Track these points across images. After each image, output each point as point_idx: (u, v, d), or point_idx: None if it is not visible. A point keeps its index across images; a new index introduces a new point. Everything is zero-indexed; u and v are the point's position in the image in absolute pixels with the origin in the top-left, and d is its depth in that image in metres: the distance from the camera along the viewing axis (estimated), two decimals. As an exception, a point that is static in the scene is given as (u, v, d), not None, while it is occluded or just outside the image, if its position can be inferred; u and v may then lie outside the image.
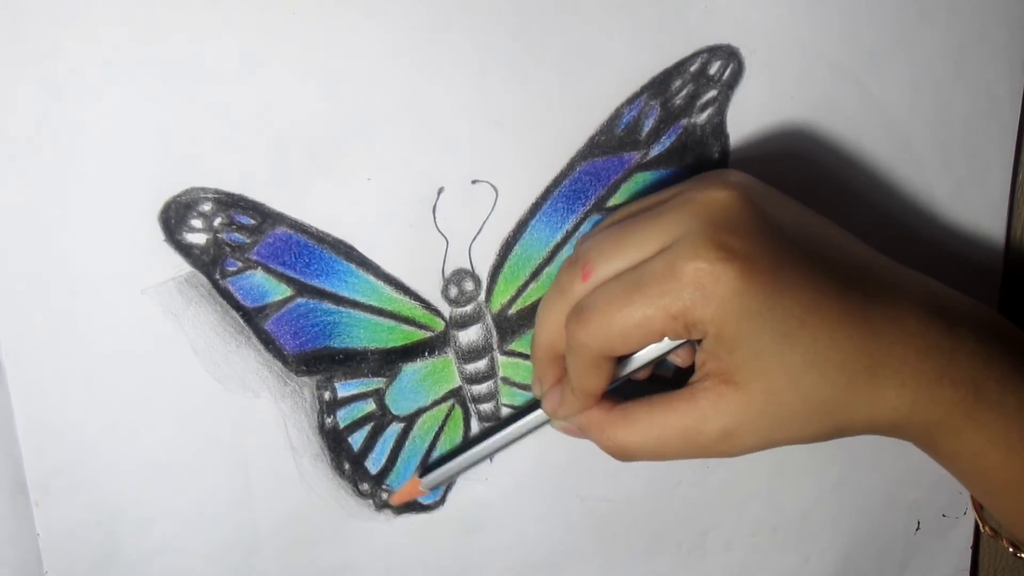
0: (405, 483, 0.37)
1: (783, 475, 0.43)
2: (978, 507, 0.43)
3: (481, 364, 0.37)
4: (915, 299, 0.31)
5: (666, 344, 0.32)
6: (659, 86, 0.35)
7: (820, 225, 0.32)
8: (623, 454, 0.33)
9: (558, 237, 0.36)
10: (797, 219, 0.32)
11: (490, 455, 0.37)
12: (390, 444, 0.37)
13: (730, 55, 0.36)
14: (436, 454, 0.38)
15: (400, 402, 0.37)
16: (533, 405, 0.36)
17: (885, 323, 0.30)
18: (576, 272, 0.32)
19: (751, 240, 0.29)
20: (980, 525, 0.43)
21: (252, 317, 0.34)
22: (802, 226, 0.31)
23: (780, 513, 0.43)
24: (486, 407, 0.38)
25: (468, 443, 0.37)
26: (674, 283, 0.29)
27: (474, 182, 0.35)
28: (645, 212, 0.32)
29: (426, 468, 0.37)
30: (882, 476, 0.44)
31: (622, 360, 0.33)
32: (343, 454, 0.37)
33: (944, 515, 0.46)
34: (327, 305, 0.35)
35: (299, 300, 0.34)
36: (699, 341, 0.31)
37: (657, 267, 0.29)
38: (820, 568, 0.45)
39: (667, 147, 0.36)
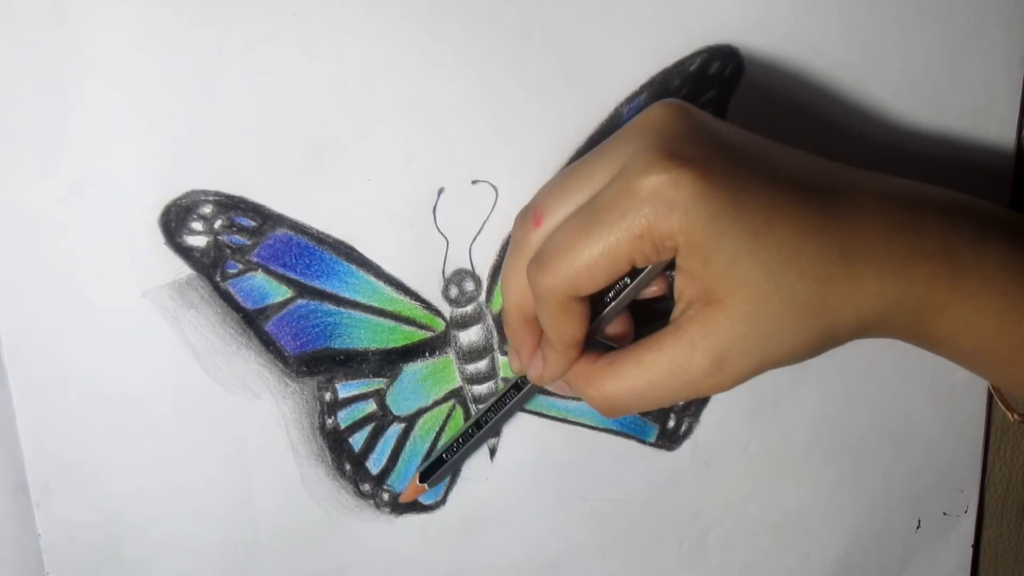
0: (408, 485, 0.37)
1: (784, 474, 0.43)
2: (999, 393, 0.41)
3: (482, 364, 0.37)
4: (873, 187, 0.31)
5: (637, 282, 0.31)
6: (659, 86, 0.35)
7: (767, 141, 0.31)
8: (612, 405, 0.32)
9: (558, 237, 0.36)
10: (742, 134, 0.31)
11: (468, 436, 0.36)
12: (391, 444, 0.37)
13: (730, 55, 0.36)
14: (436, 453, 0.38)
15: (401, 402, 0.37)
16: (511, 381, 0.35)
17: (848, 210, 0.30)
18: (528, 221, 0.31)
19: (701, 144, 0.28)
20: (1007, 412, 0.41)
21: (253, 319, 0.34)
22: (749, 139, 0.31)
23: (781, 512, 0.43)
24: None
25: (463, 432, 0.36)
26: (632, 201, 0.28)
27: (474, 182, 0.35)
28: (589, 153, 0.31)
29: (427, 467, 0.37)
30: (882, 475, 0.44)
31: (596, 310, 0.32)
32: (344, 455, 0.37)
33: (944, 514, 0.46)
34: (328, 306, 0.35)
35: (300, 301, 0.34)
36: (671, 273, 0.30)
37: (612, 191, 0.28)
38: (821, 566, 0.45)
39: (667, 147, 0.36)
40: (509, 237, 0.36)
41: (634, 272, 0.31)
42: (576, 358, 0.32)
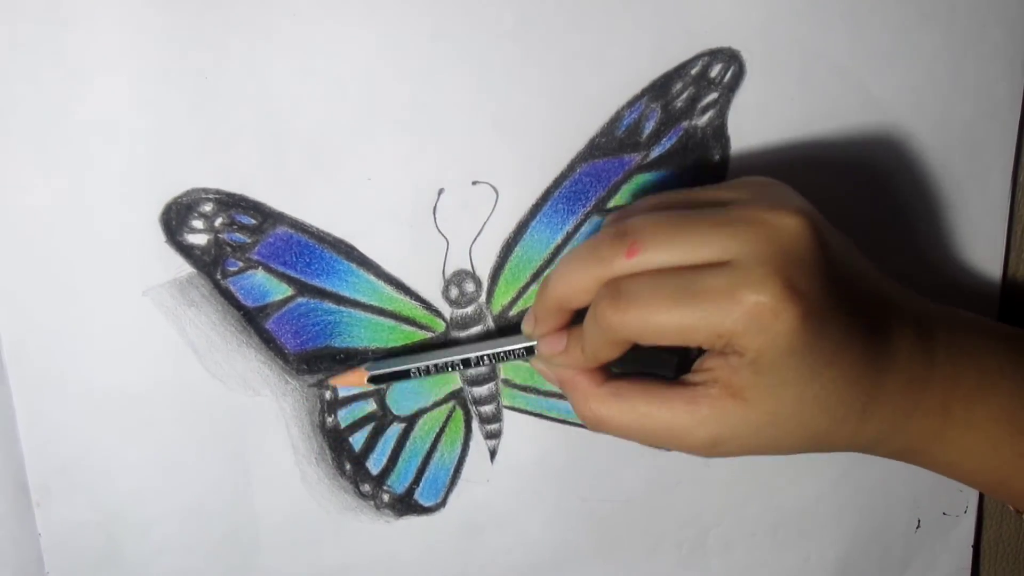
0: (350, 372, 0.36)
1: (783, 474, 0.43)
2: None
3: (482, 366, 0.37)
4: (908, 328, 0.32)
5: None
6: (660, 88, 0.35)
7: (856, 256, 0.33)
8: (598, 426, 0.32)
9: (558, 238, 0.36)
10: (845, 253, 0.32)
11: (450, 367, 0.35)
12: (391, 444, 0.37)
13: (731, 58, 0.36)
14: (436, 458, 0.38)
15: (401, 403, 0.37)
16: (513, 333, 0.35)
17: (886, 361, 0.31)
18: (622, 245, 0.30)
19: (816, 281, 0.29)
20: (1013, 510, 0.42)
21: (253, 317, 0.34)
22: (847, 262, 0.31)
23: (781, 512, 0.43)
24: (487, 409, 0.38)
25: (440, 363, 0.35)
26: (732, 306, 0.28)
27: (474, 183, 0.35)
28: (707, 210, 0.31)
29: (383, 374, 0.35)
30: (882, 475, 0.44)
31: None
32: (344, 454, 0.37)
33: (944, 514, 0.46)
34: (328, 305, 0.35)
35: (300, 300, 0.34)
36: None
37: (717, 283, 0.29)
38: (821, 567, 0.45)
39: (668, 149, 0.36)
40: (510, 239, 0.36)
41: None
42: (594, 368, 0.33)
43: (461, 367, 0.35)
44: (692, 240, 0.30)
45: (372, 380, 0.35)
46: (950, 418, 0.32)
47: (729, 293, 0.28)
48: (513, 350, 0.34)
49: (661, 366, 0.33)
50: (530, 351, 0.34)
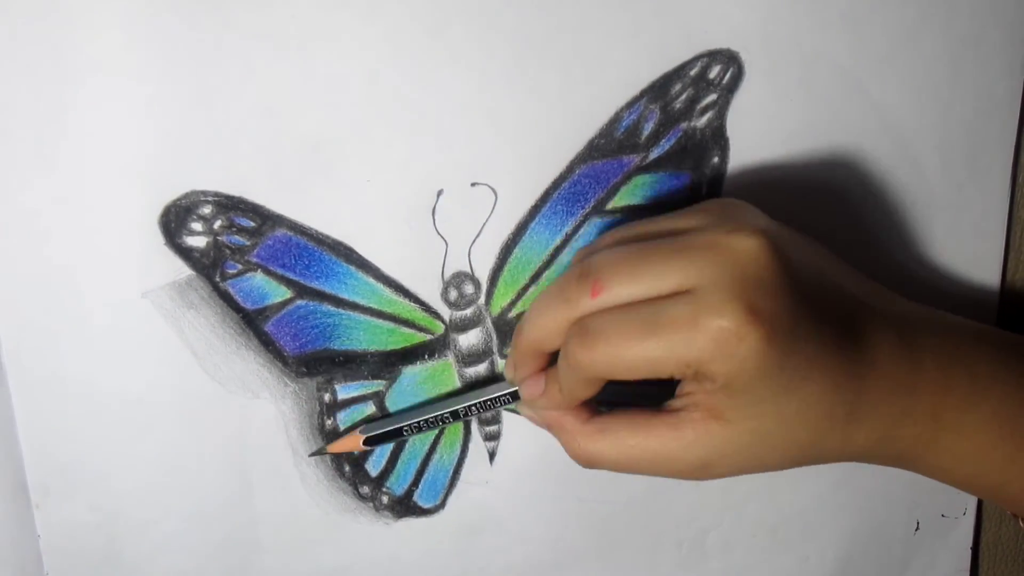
0: (345, 437, 0.36)
1: (783, 475, 0.43)
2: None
3: (481, 368, 0.37)
4: (889, 331, 0.32)
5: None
6: (659, 90, 0.35)
7: (826, 264, 0.33)
8: (588, 462, 0.33)
9: (557, 240, 0.36)
10: (810, 265, 0.31)
11: (441, 421, 0.35)
12: (390, 446, 0.37)
13: (730, 59, 0.36)
14: (435, 459, 0.38)
15: (400, 405, 0.37)
16: (496, 380, 0.35)
17: (866, 369, 0.31)
18: (586, 286, 0.30)
19: (778, 301, 0.29)
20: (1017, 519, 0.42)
21: (252, 319, 0.34)
22: (814, 273, 0.31)
23: (780, 513, 0.43)
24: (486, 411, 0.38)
25: (434, 417, 0.36)
26: (695, 334, 0.28)
27: (473, 184, 0.35)
28: (665, 240, 0.31)
29: (378, 435, 0.36)
30: (882, 476, 0.44)
31: None
32: (343, 456, 0.37)
33: (944, 515, 0.46)
34: (327, 307, 0.35)
35: (299, 302, 0.34)
36: None
37: (678, 312, 0.29)
38: (820, 568, 0.45)
39: (667, 150, 0.36)
40: (509, 240, 0.36)
41: None
42: (574, 407, 0.33)
43: (451, 420, 0.35)
44: (653, 271, 0.30)
45: (367, 443, 0.36)
46: (941, 425, 0.32)
47: (692, 321, 0.28)
48: (499, 397, 0.35)
49: (646, 395, 0.33)
50: (515, 396, 0.35)
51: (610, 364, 0.30)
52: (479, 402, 0.35)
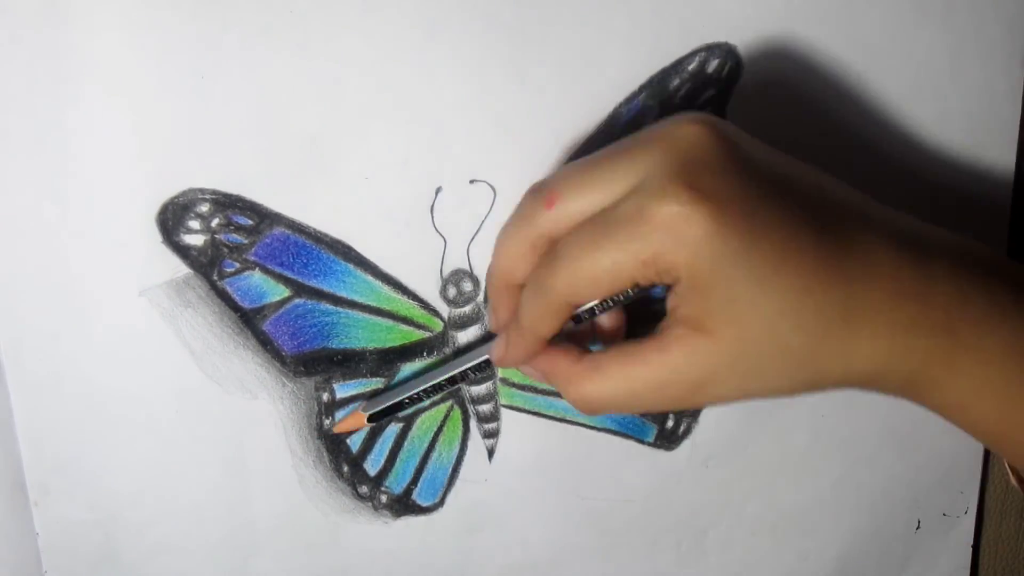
0: (348, 415, 0.36)
1: (783, 473, 0.43)
2: (1000, 459, 0.41)
3: (467, 380, 0.37)
4: (889, 239, 0.30)
5: (626, 299, 0.31)
6: (657, 85, 0.35)
7: (794, 164, 0.31)
8: (591, 407, 0.31)
9: (556, 238, 0.36)
10: (772, 158, 0.30)
11: (440, 387, 0.35)
12: (388, 445, 0.37)
13: (728, 53, 0.35)
14: (434, 457, 0.38)
15: (399, 403, 0.37)
16: (488, 338, 0.35)
17: (859, 268, 0.29)
18: (540, 199, 0.30)
19: (724, 179, 0.28)
20: (1010, 475, 0.41)
21: (250, 318, 0.34)
22: (776, 164, 0.30)
23: (780, 511, 0.43)
24: (485, 408, 0.38)
25: (415, 375, 0.36)
26: (644, 227, 0.28)
27: (472, 182, 0.35)
28: (612, 145, 0.30)
29: (380, 410, 0.36)
30: (882, 475, 0.44)
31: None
32: (342, 456, 0.37)
33: (944, 514, 0.46)
34: (325, 305, 0.35)
35: (297, 301, 0.34)
36: (668, 287, 0.30)
37: (626, 210, 0.28)
38: (820, 566, 0.45)
39: (666, 147, 0.36)
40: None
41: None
42: (538, 352, 0.32)
43: (448, 385, 0.35)
44: (601, 176, 0.29)
45: (371, 419, 0.35)
46: (958, 341, 0.30)
47: (638, 214, 0.28)
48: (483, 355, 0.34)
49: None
50: None
51: (574, 282, 0.29)
52: (474, 364, 0.35)
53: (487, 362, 0.35)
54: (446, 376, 0.35)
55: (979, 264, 0.31)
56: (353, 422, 0.36)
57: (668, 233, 0.27)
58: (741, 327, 0.28)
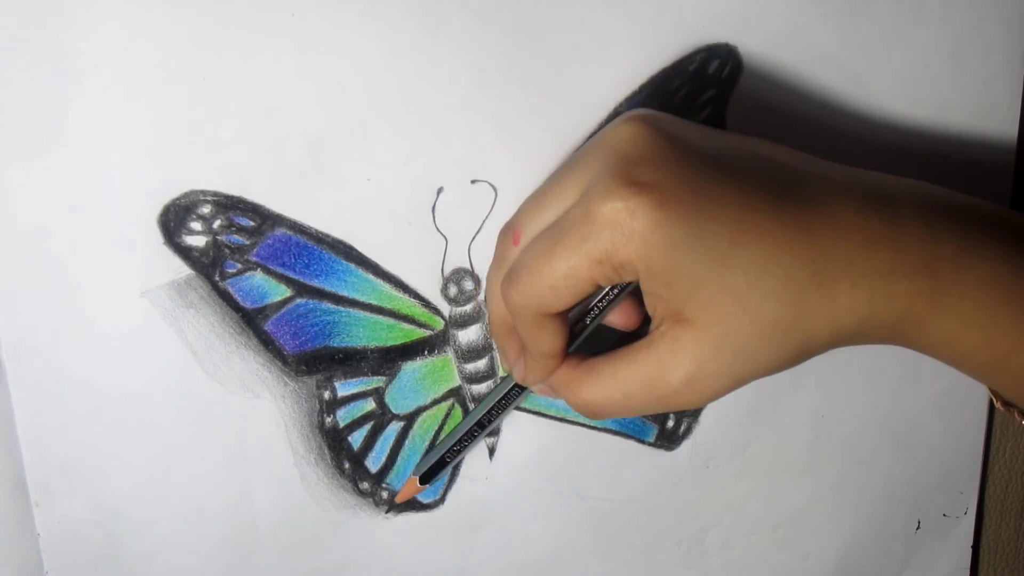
0: (405, 485, 0.37)
1: (783, 474, 0.43)
2: (995, 394, 0.41)
3: (481, 364, 0.37)
4: (850, 193, 0.30)
5: (608, 294, 0.32)
6: (658, 85, 0.35)
7: (743, 141, 0.31)
8: (591, 411, 0.32)
9: (557, 237, 0.36)
10: (715, 139, 0.30)
11: (473, 435, 0.36)
12: (390, 443, 0.37)
13: (729, 53, 0.36)
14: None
15: (400, 401, 0.37)
16: (509, 380, 0.35)
17: (822, 225, 0.29)
18: (508, 238, 0.31)
19: (662, 168, 0.28)
20: (993, 400, 0.41)
21: (252, 318, 0.34)
22: (722, 145, 0.30)
23: (780, 511, 0.43)
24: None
25: (465, 433, 0.36)
26: (591, 227, 0.28)
27: (473, 182, 0.35)
28: (561, 166, 0.31)
29: (422, 466, 0.37)
30: (882, 475, 0.44)
31: (580, 320, 0.32)
32: (343, 453, 0.37)
33: (944, 515, 0.46)
34: (327, 305, 0.35)
35: (299, 300, 0.34)
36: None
37: (574, 215, 0.29)
38: (820, 566, 0.45)
39: (666, 146, 0.36)
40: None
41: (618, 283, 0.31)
42: (556, 366, 0.32)
43: (480, 430, 0.36)
44: (553, 196, 0.30)
45: (423, 481, 0.37)
46: (938, 279, 0.30)
47: (585, 217, 0.28)
48: (510, 391, 0.35)
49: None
50: (522, 387, 0.35)
51: (535, 292, 0.30)
52: (497, 402, 0.35)
53: (506, 398, 0.35)
54: (476, 421, 0.36)
55: (947, 203, 0.31)
56: (411, 489, 0.37)
57: (615, 229, 0.28)
58: (715, 309, 0.29)
